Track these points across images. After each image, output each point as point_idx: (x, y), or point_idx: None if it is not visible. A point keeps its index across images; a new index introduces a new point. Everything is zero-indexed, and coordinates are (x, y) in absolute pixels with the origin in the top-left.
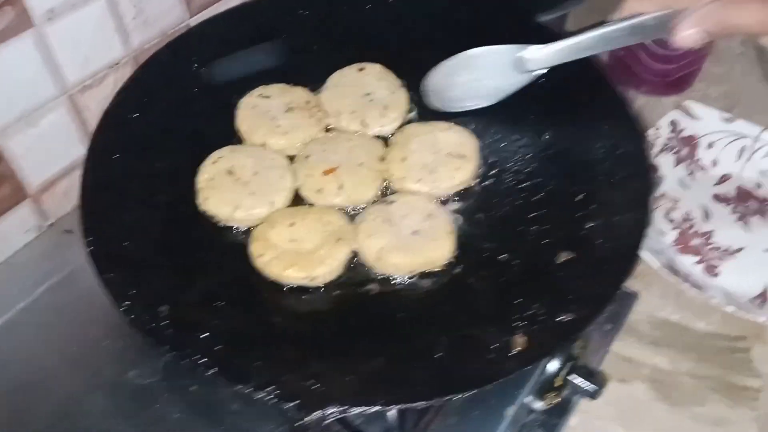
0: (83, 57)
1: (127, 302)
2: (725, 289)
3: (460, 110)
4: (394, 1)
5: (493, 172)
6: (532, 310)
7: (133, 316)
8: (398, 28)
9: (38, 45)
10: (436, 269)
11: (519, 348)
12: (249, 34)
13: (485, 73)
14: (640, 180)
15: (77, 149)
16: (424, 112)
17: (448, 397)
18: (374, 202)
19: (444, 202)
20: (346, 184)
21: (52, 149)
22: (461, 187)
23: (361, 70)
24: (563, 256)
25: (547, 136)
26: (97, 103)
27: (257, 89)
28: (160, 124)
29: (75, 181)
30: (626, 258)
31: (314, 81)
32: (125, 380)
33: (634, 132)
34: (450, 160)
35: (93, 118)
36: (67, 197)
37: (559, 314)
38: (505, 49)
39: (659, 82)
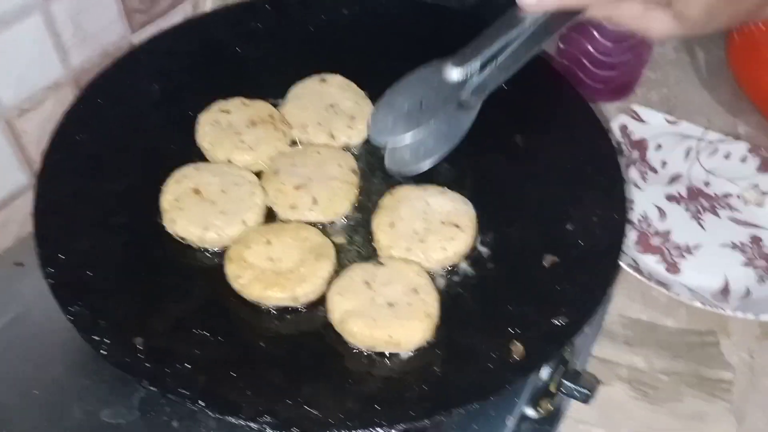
0: (19, 77)
1: (96, 336)
2: (688, 286)
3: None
4: (349, 12)
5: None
6: (524, 317)
7: (105, 351)
8: (355, 39)
9: None
10: (401, 353)
11: (517, 356)
12: (200, 48)
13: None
14: (613, 178)
15: (16, 177)
16: None
17: (450, 412)
18: (366, 259)
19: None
20: (319, 199)
21: None
22: (454, 261)
23: (322, 81)
24: (548, 260)
25: (518, 141)
26: (36, 127)
27: (216, 104)
28: (112, 144)
29: (15, 212)
30: (608, 257)
31: (273, 94)
32: (97, 421)
33: (601, 132)
34: (443, 228)
35: (32, 144)
36: (6, 229)
37: (551, 319)
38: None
39: (603, 88)
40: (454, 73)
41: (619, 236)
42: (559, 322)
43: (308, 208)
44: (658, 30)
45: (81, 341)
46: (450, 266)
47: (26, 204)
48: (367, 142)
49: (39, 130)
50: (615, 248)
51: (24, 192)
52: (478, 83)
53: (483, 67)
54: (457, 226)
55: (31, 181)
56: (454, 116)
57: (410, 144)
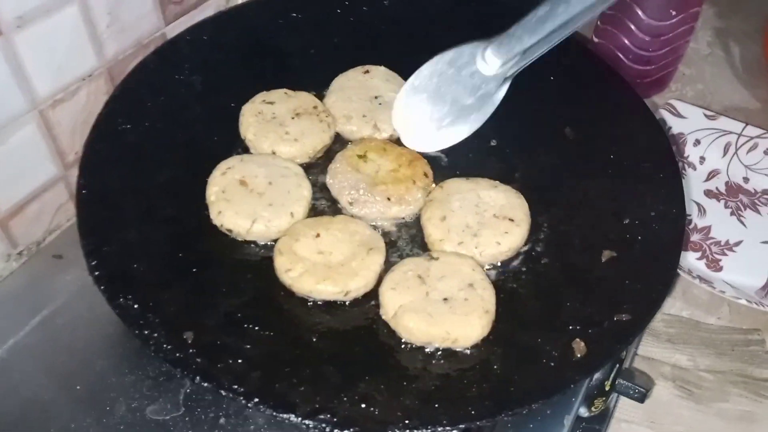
0: (55, 68)
1: (145, 330)
2: (730, 283)
3: (445, 146)
4: (390, 3)
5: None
6: (584, 314)
7: (155, 346)
8: (396, 29)
9: (6, 55)
10: (458, 349)
11: (579, 354)
12: (241, 39)
13: (449, 95)
14: (669, 172)
15: (48, 169)
16: None
17: (514, 411)
18: (416, 254)
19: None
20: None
21: (21, 169)
22: (508, 255)
23: (366, 72)
24: (606, 255)
25: (567, 134)
26: (68, 118)
27: (259, 95)
28: (155, 135)
29: (47, 204)
30: (670, 252)
31: (316, 85)
32: (142, 417)
33: (656, 126)
34: (496, 222)
35: (64, 135)
36: (38, 221)
37: (614, 315)
38: (462, 54)
39: (639, 83)
40: (492, 65)
41: (680, 231)
42: (621, 318)
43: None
44: None
45: (124, 335)
46: (503, 261)
47: (57, 196)
48: None
49: (71, 121)
50: (676, 243)
51: (55, 184)
52: (513, 71)
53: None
54: (511, 220)
55: (63, 173)
56: (481, 98)
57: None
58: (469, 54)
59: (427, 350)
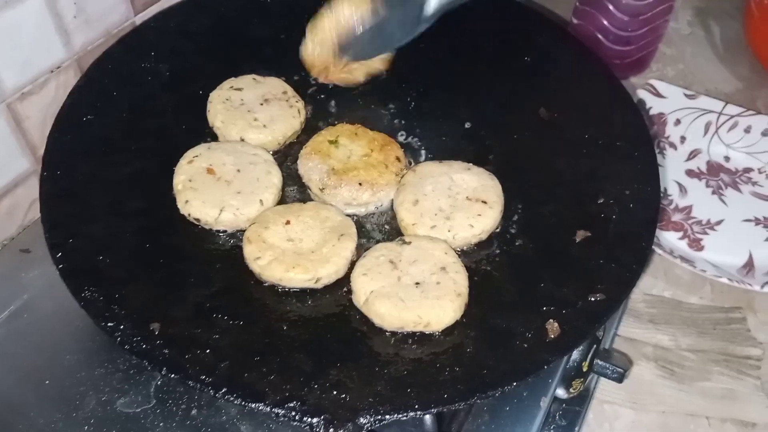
0: (22, 60)
1: (110, 323)
2: (712, 262)
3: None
4: None
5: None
6: (559, 294)
7: (121, 338)
8: None
9: None
10: (431, 333)
11: (553, 335)
12: (208, 26)
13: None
14: (644, 150)
15: (20, 164)
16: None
17: (488, 394)
18: (389, 239)
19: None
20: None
21: None
22: (482, 238)
23: None
24: (580, 236)
25: (542, 115)
26: (38, 112)
27: (227, 81)
28: (121, 125)
29: (19, 199)
30: (645, 231)
31: (285, 71)
32: (113, 411)
33: (630, 105)
34: (469, 205)
35: (34, 129)
36: (10, 217)
37: (588, 295)
38: None
39: (619, 64)
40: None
41: (654, 209)
42: (595, 298)
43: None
44: None
45: (94, 329)
46: (477, 243)
47: (30, 191)
48: None
49: (41, 114)
50: (651, 221)
51: (27, 178)
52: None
53: None
54: (484, 202)
55: (35, 168)
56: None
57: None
58: None
59: (399, 335)
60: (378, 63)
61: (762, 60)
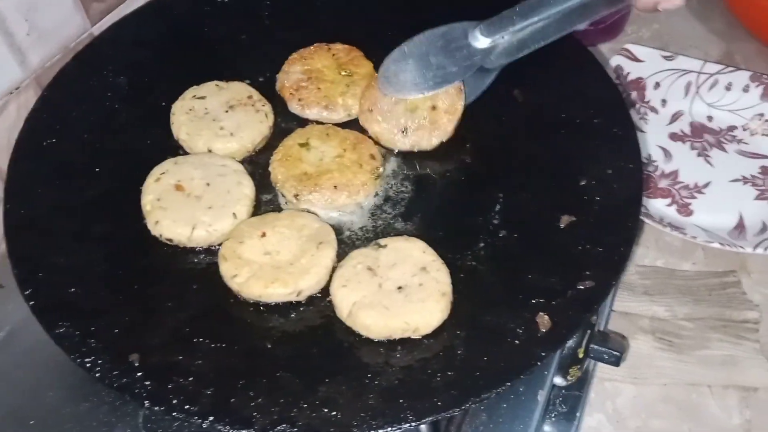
0: None
1: (87, 358)
2: (702, 227)
3: (414, 96)
4: None
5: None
6: (547, 285)
7: (100, 373)
8: (331, 6)
9: None
10: (419, 338)
11: (544, 329)
12: (165, 33)
13: (435, 58)
14: (623, 125)
15: None
16: None
17: (483, 397)
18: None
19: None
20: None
21: None
22: (441, 139)
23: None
24: (564, 221)
25: (516, 96)
26: (0, 135)
27: (189, 90)
28: (82, 147)
29: None
30: (629, 210)
31: (249, 74)
32: None
33: (605, 79)
34: (431, 113)
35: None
36: None
37: (577, 283)
38: (454, 30)
39: (593, 30)
40: (481, 41)
41: (637, 187)
42: (584, 286)
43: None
44: None
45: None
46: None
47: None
48: None
49: (4, 139)
50: (635, 200)
51: None
52: (502, 50)
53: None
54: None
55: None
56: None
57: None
58: (461, 30)
59: (387, 343)
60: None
61: (737, 14)
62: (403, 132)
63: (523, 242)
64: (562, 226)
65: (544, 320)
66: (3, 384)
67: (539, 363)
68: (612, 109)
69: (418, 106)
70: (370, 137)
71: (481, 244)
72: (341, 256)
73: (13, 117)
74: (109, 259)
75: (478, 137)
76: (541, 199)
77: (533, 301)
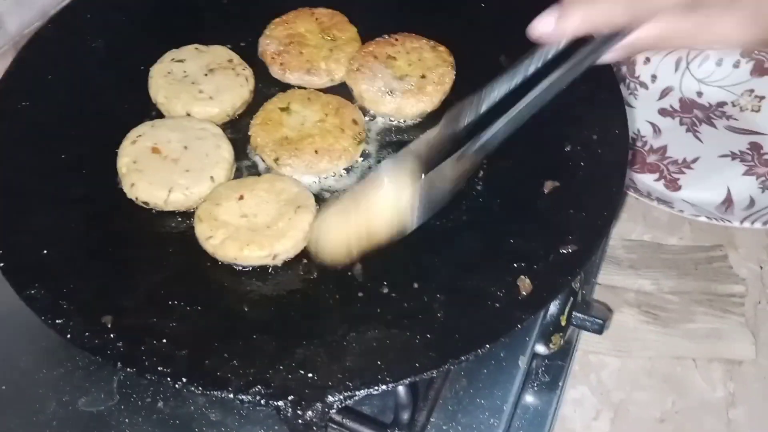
0: None
1: (59, 319)
2: (690, 201)
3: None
4: None
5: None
6: (528, 249)
7: (71, 335)
8: None
9: None
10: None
11: (525, 292)
12: None
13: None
14: (611, 92)
15: None
16: None
17: (461, 359)
18: None
19: None
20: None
21: None
22: (426, 108)
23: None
24: (548, 186)
25: (502, 62)
26: None
27: (168, 53)
28: (58, 110)
29: None
30: (614, 175)
31: (230, 38)
32: (75, 410)
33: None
34: (419, 81)
35: None
36: None
37: (559, 247)
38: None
39: None
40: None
41: (623, 152)
42: (567, 250)
43: None
44: (730, 37)
45: (47, 327)
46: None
47: None
48: None
49: None
50: (621, 165)
51: None
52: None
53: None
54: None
55: None
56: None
57: None
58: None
59: (363, 305)
60: None
61: None
62: (389, 93)
63: (505, 207)
64: (546, 191)
65: (525, 284)
66: None
67: (519, 326)
68: (598, 74)
69: (408, 74)
70: (353, 100)
71: (464, 208)
72: None
73: None
74: (83, 222)
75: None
76: (525, 165)
77: (514, 265)
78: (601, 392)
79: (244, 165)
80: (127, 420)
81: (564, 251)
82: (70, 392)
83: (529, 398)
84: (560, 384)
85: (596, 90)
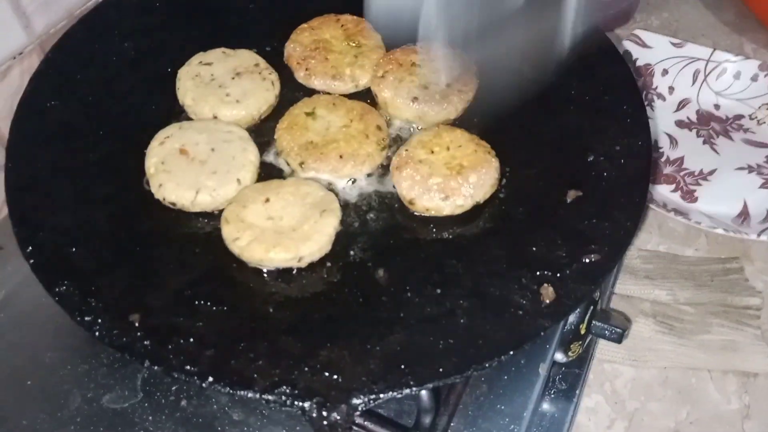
0: None
1: (87, 317)
2: (706, 213)
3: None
4: None
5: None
6: (552, 257)
7: (99, 332)
8: None
9: None
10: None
11: (548, 300)
12: (173, 0)
13: None
14: (632, 103)
15: None
16: None
17: (485, 365)
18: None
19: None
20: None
21: None
22: (449, 116)
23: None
24: (571, 196)
25: (525, 72)
26: (3, 101)
27: (196, 56)
28: (87, 109)
29: None
30: (637, 185)
31: (256, 42)
32: (99, 407)
33: (616, 57)
34: (443, 90)
35: (2, 120)
36: None
37: (583, 257)
38: None
39: (603, 16)
40: None
41: (646, 162)
42: (590, 259)
43: None
44: None
45: (74, 324)
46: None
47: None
48: None
49: (7, 104)
50: (643, 175)
51: None
52: None
53: None
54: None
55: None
56: None
57: None
58: None
59: (387, 310)
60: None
61: (748, 3)
62: (414, 100)
63: (528, 216)
64: (569, 200)
65: (548, 292)
66: (1, 345)
67: (542, 333)
68: (622, 86)
69: (432, 82)
70: (377, 106)
71: (487, 216)
72: (344, 224)
73: (17, 82)
74: (112, 220)
75: (486, 113)
76: (548, 174)
77: (538, 273)
78: (615, 401)
79: (269, 168)
80: (150, 417)
81: (587, 260)
82: (94, 389)
83: (546, 406)
84: (577, 392)
85: (620, 102)
